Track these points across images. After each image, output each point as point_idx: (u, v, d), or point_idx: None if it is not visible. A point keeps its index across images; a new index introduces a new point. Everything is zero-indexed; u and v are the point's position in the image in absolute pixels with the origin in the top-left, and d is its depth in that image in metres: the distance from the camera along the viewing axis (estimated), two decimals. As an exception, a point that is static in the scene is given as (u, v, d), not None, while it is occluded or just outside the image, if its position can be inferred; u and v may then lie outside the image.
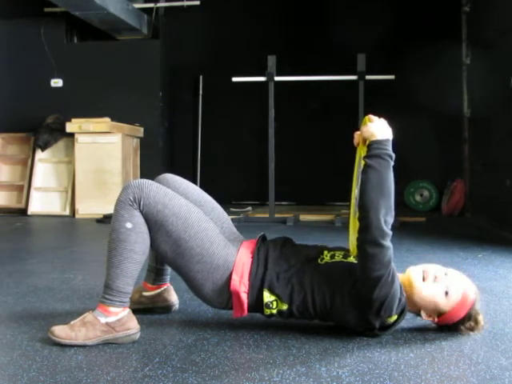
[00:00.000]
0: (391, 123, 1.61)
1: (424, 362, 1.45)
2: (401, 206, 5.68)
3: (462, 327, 1.64)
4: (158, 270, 1.91)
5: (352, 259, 1.66)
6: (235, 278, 1.62)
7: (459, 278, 1.64)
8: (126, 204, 1.60)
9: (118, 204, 1.61)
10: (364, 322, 1.58)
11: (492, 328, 1.74)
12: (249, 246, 1.71)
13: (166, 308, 1.93)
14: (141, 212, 1.60)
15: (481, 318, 1.65)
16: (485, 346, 1.58)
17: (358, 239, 1.53)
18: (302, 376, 1.36)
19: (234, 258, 1.64)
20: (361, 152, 1.67)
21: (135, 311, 1.70)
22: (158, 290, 1.92)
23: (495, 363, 1.44)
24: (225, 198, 5.79)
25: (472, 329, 1.64)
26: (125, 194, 1.61)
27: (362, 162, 1.57)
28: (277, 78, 4.85)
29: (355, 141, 1.69)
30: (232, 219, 1.88)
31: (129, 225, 1.59)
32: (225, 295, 1.64)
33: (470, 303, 1.62)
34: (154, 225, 1.61)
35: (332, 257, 1.68)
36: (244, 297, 1.62)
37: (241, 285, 1.62)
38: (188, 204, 1.66)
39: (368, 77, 4.81)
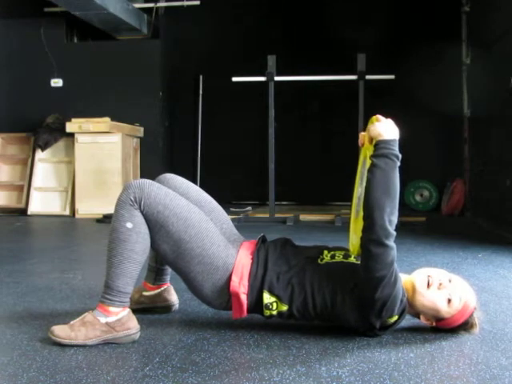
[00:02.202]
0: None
1: (424, 362, 1.45)
2: (401, 205, 5.66)
3: (458, 331, 1.65)
4: (158, 269, 1.91)
5: (352, 259, 1.66)
6: (235, 280, 1.61)
7: (462, 285, 1.64)
8: (127, 204, 1.59)
9: (119, 204, 1.61)
10: (365, 322, 1.58)
11: (492, 328, 1.74)
12: (249, 247, 1.71)
13: (166, 308, 1.92)
14: (141, 212, 1.60)
15: (477, 321, 1.65)
16: (485, 345, 1.58)
17: (361, 238, 1.53)
18: (302, 376, 1.36)
19: (234, 260, 1.64)
20: (366, 152, 1.66)
21: (135, 311, 1.70)
22: (158, 290, 1.92)
23: (495, 363, 1.44)
24: (225, 198, 5.80)
25: (467, 330, 1.65)
26: (125, 194, 1.60)
27: (368, 162, 1.57)
28: (277, 78, 4.85)
29: (360, 141, 1.69)
30: (232, 219, 1.89)
31: (129, 225, 1.58)
32: (224, 296, 1.64)
33: (469, 312, 1.62)
34: (155, 225, 1.61)
35: (332, 257, 1.68)
36: (243, 298, 1.62)
37: (240, 286, 1.61)
38: (189, 205, 1.66)
39: (368, 77, 4.81)
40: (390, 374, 1.37)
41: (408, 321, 1.72)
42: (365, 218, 1.51)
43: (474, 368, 1.41)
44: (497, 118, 4.45)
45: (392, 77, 4.94)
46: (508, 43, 4.16)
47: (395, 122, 1.61)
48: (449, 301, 1.59)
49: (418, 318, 1.67)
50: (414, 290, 1.61)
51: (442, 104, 5.40)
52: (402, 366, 1.42)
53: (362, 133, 1.68)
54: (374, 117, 1.64)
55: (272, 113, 4.83)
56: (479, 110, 5.16)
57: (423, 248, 3.36)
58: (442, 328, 1.66)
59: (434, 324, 1.66)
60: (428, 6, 5.77)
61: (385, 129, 1.57)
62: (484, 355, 1.50)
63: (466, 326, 1.64)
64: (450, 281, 1.62)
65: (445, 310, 1.60)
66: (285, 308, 1.62)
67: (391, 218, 1.50)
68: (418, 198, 5.86)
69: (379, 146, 1.56)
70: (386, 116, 1.63)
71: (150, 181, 1.65)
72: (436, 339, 1.63)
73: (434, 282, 1.61)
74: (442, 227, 4.67)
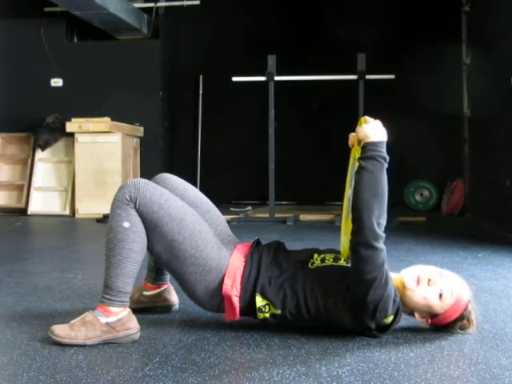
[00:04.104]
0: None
1: (424, 362, 1.45)
2: (401, 205, 5.68)
3: (453, 327, 1.65)
4: (158, 269, 1.91)
5: (343, 262, 1.66)
6: (227, 282, 1.61)
7: (453, 279, 1.64)
8: (123, 203, 1.59)
9: (115, 203, 1.61)
10: (359, 324, 1.58)
11: (492, 328, 1.74)
12: (242, 250, 1.71)
13: (166, 308, 1.93)
14: (137, 211, 1.60)
15: (473, 317, 1.65)
16: (485, 345, 1.58)
17: (351, 241, 1.53)
18: (302, 376, 1.36)
19: (227, 262, 1.64)
20: (355, 153, 1.66)
21: (135, 311, 1.70)
22: (158, 290, 1.92)
23: (495, 363, 1.44)
24: (225, 198, 5.82)
25: (464, 328, 1.65)
26: (121, 193, 1.60)
27: (356, 164, 1.57)
28: (277, 78, 4.85)
29: (350, 142, 1.69)
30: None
31: (126, 224, 1.58)
32: (217, 298, 1.64)
33: (463, 305, 1.62)
34: (149, 225, 1.61)
35: (322, 260, 1.68)
36: (236, 301, 1.62)
37: (233, 289, 1.61)
38: (184, 205, 1.66)
39: (368, 76, 4.81)
40: (389, 373, 1.37)
41: (408, 321, 1.72)
42: (353, 221, 1.51)
43: (473, 368, 1.41)
44: (497, 117, 4.45)
45: (392, 77, 4.95)
46: (508, 43, 4.16)
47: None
48: (440, 295, 1.59)
49: (413, 315, 1.67)
50: (404, 287, 1.61)
51: (442, 104, 5.40)
52: (401, 365, 1.42)
53: (352, 133, 1.67)
54: (362, 118, 1.63)
55: (272, 113, 4.83)
56: (479, 110, 5.16)
57: (423, 248, 3.36)
58: (439, 325, 1.66)
59: (429, 321, 1.66)
60: (428, 5, 5.77)
61: (372, 131, 1.57)
62: (484, 355, 1.50)
63: (462, 320, 1.63)
64: (440, 275, 1.62)
65: (437, 304, 1.60)
66: (278, 312, 1.62)
67: (380, 221, 1.50)
68: (418, 197, 5.86)
69: (367, 148, 1.55)
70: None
71: (146, 180, 1.65)
72: (436, 339, 1.63)
73: (423, 277, 1.61)
74: (442, 227, 4.66)
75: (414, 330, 1.71)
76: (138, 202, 1.59)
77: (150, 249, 1.65)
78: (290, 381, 1.33)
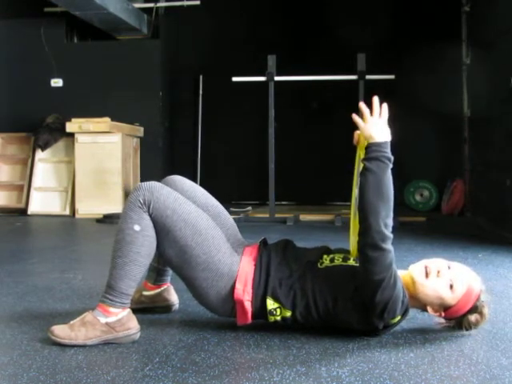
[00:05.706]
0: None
1: (424, 362, 1.45)
2: (401, 205, 5.68)
3: (467, 320, 1.63)
4: (160, 270, 1.91)
5: (352, 262, 1.66)
6: (239, 287, 1.61)
7: (463, 270, 1.64)
8: (136, 206, 1.59)
9: (128, 205, 1.60)
10: (367, 324, 1.58)
11: (492, 328, 1.74)
12: (251, 253, 1.70)
13: (166, 308, 1.93)
14: (150, 215, 1.60)
15: (486, 310, 1.64)
16: (485, 345, 1.58)
17: (358, 243, 1.52)
18: (302, 376, 1.36)
19: (238, 267, 1.64)
20: (360, 152, 1.66)
21: (135, 311, 1.69)
22: (158, 290, 1.92)
23: (495, 363, 1.44)
24: (225, 198, 5.79)
25: (477, 322, 1.64)
26: (135, 196, 1.60)
27: (361, 164, 1.57)
28: (277, 78, 4.85)
29: (355, 140, 1.68)
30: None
31: (137, 227, 1.58)
32: (229, 304, 1.64)
33: (475, 295, 1.61)
34: (162, 229, 1.60)
35: (332, 260, 1.68)
36: (248, 305, 1.62)
37: (244, 293, 1.61)
38: (197, 210, 1.65)
39: (368, 76, 4.81)
40: (390, 373, 1.37)
41: (408, 321, 1.72)
42: (360, 223, 1.51)
43: (474, 368, 1.41)
44: (497, 117, 4.45)
45: (392, 77, 4.94)
46: (508, 43, 4.16)
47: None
48: (451, 286, 1.59)
49: (426, 310, 1.66)
50: (414, 282, 1.61)
51: (442, 104, 5.39)
52: (402, 366, 1.42)
53: (357, 132, 1.66)
54: (365, 114, 1.59)
55: (272, 113, 4.83)
56: (479, 109, 5.16)
57: (423, 248, 3.36)
58: (453, 317, 1.64)
59: (442, 315, 1.65)
60: (428, 5, 5.76)
61: (376, 130, 1.56)
62: (484, 355, 1.50)
63: (475, 311, 1.62)
64: (449, 267, 1.62)
65: (449, 296, 1.59)
66: (288, 314, 1.62)
67: (386, 221, 1.49)
68: (418, 197, 5.86)
69: (371, 148, 1.55)
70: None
71: (160, 184, 1.65)
72: (436, 339, 1.63)
73: (432, 270, 1.61)
74: (442, 227, 4.66)
75: (414, 330, 1.71)
76: (151, 206, 1.59)
77: (162, 253, 1.64)
78: (289, 381, 1.33)
